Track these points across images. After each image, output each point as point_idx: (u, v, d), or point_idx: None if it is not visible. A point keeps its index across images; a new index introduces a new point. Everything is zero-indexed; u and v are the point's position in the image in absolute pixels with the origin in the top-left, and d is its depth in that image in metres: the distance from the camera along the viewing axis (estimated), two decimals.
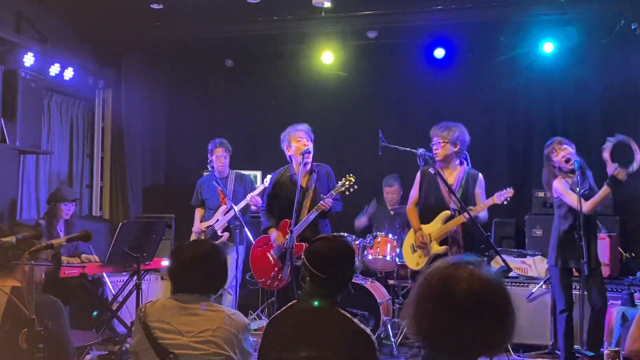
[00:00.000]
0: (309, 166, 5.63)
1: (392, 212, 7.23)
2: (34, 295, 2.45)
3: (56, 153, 7.55)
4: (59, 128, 7.66)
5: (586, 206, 4.98)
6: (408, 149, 5.31)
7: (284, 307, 2.91)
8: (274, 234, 5.68)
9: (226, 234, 6.59)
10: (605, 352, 2.94)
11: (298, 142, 5.56)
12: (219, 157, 6.69)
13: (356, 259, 2.90)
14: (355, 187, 5.42)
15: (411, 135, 7.31)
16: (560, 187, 5.22)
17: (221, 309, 2.86)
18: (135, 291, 5.62)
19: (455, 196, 5.09)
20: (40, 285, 2.99)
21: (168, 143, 8.91)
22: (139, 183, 8.31)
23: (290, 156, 5.69)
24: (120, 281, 6.39)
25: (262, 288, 6.68)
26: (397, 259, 6.38)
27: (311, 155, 5.57)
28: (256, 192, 6.53)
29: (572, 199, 5.08)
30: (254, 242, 5.99)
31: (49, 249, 2.58)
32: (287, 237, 5.39)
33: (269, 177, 6.31)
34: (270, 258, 5.74)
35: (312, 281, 2.82)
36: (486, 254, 4.90)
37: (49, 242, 2.59)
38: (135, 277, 5.72)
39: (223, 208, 6.67)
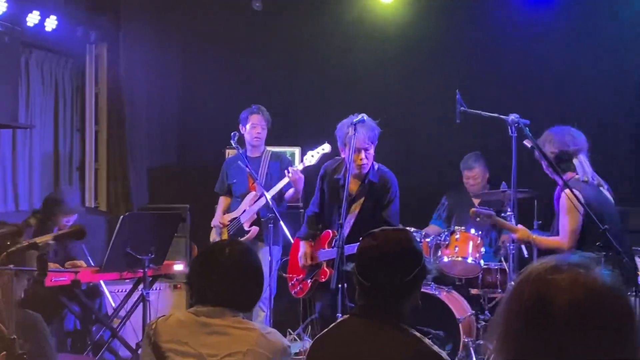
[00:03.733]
0: (365, 170, 5.88)
1: (476, 202, 7.17)
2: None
3: (38, 127, 7.59)
4: (41, 94, 7.72)
5: None
6: (495, 114, 5.28)
7: (332, 325, 2.94)
8: (302, 248, 6.16)
9: (254, 229, 6.66)
10: None
11: (357, 152, 5.73)
12: (255, 126, 6.77)
13: (427, 261, 2.88)
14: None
15: (499, 97, 7.27)
16: None
17: (253, 327, 2.94)
18: (141, 304, 5.76)
19: None
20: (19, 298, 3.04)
21: (181, 112, 8.98)
22: (144, 164, 8.38)
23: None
24: (121, 291, 6.47)
25: (303, 299, 6.76)
26: (481, 262, 6.35)
27: (369, 162, 5.83)
28: (294, 171, 6.51)
29: None
30: (292, 241, 6.24)
31: (32, 250, 2.62)
32: (318, 254, 6.04)
33: (310, 155, 6.44)
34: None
35: (360, 290, 2.84)
36: (604, 254, 4.83)
37: (32, 240, 2.63)
38: (141, 286, 5.86)
39: (251, 195, 6.73)
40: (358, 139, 5.65)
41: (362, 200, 5.90)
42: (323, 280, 5.97)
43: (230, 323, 2.90)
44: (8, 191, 7.36)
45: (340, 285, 5.22)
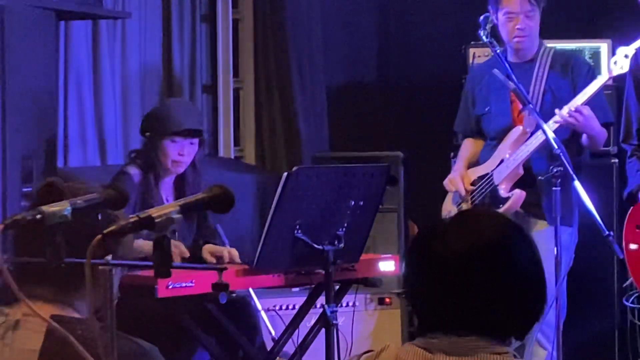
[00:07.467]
0: None
1: None
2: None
3: (135, 16, 7.84)
4: None
5: None
6: None
7: None
8: None
9: (519, 195, 6.72)
10: None
11: None
12: (511, 16, 6.70)
13: None
14: None
15: None
16: None
17: None
18: (323, 330, 5.74)
19: None
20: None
21: None
22: (321, 83, 8.72)
23: None
24: (286, 307, 6.90)
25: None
26: None
27: None
28: (579, 99, 6.54)
29: None
30: (598, 218, 6.10)
31: (148, 229, 2.67)
32: None
33: (622, 55, 6.47)
34: None
35: None
36: None
37: (143, 213, 2.67)
38: (321, 300, 5.93)
39: (516, 133, 6.80)
40: None
41: None
42: None
43: None
44: (87, 133, 7.62)
45: None
